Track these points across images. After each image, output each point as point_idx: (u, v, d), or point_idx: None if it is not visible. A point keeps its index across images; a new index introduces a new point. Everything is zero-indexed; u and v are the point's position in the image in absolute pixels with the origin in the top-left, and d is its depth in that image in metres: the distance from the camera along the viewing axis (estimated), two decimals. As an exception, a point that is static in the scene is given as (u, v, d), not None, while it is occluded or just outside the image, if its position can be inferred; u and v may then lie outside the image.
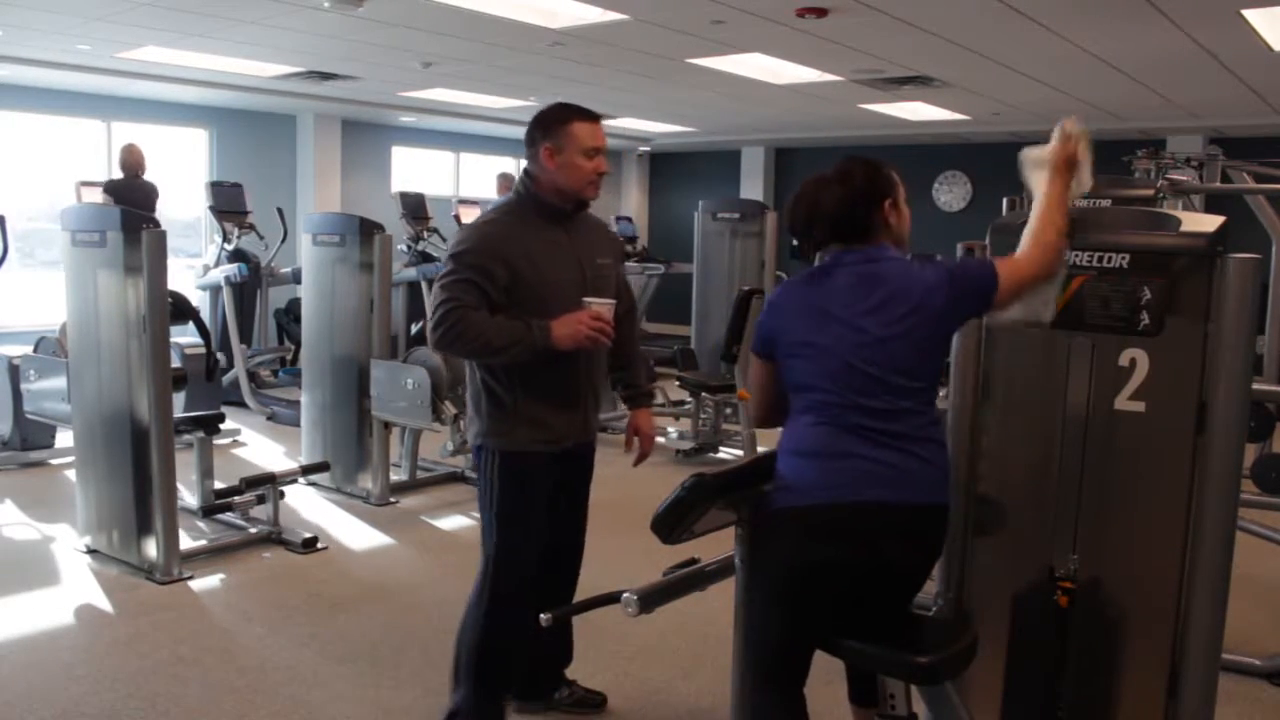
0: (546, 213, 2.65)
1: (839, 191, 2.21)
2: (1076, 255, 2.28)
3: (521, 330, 2.52)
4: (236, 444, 6.82)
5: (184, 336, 6.09)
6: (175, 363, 4.97)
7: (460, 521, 5.22)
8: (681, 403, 7.14)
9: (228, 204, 8.43)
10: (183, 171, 9.71)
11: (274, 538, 4.72)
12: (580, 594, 2.57)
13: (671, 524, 2.26)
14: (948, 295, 2.14)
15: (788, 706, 2.25)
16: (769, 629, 2.26)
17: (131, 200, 6.80)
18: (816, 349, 2.16)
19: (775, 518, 2.20)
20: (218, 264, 8.21)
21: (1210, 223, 2.21)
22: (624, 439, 3.08)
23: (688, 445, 6.64)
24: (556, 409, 2.70)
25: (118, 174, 7.75)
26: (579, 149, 2.59)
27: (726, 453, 6.71)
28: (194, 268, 8.80)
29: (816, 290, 2.21)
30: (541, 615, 2.41)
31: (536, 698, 3.05)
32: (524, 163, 2.72)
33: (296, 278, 7.84)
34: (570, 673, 3.11)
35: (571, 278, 2.64)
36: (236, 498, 4.78)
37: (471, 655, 2.73)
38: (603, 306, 2.60)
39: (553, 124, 2.61)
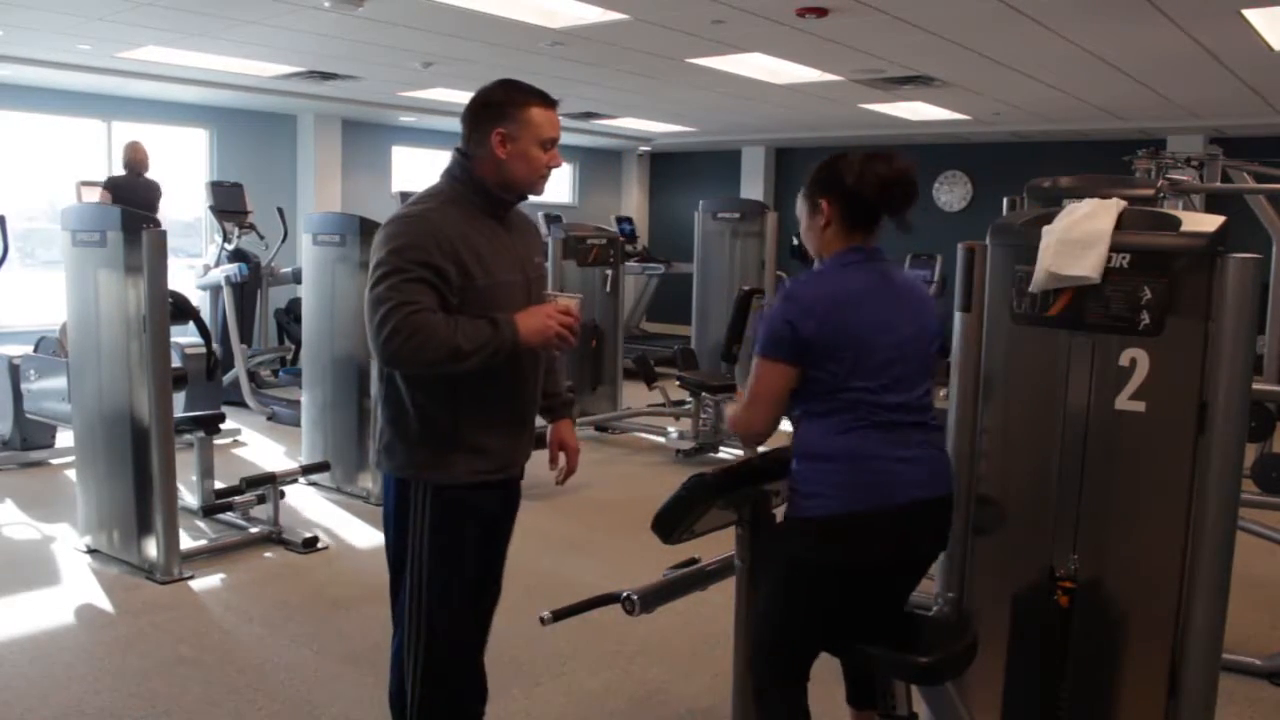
0: (489, 204, 2.26)
1: (913, 172, 2.17)
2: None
3: (490, 330, 2.12)
4: (237, 444, 6.82)
5: (184, 336, 6.09)
6: (175, 362, 4.98)
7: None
8: (681, 403, 7.14)
9: (228, 204, 8.43)
10: (183, 171, 9.71)
11: (274, 537, 4.72)
12: (581, 594, 2.56)
13: (672, 524, 2.27)
14: (934, 307, 2.29)
15: (796, 706, 2.25)
16: (788, 632, 2.26)
17: (132, 198, 6.81)
18: (856, 348, 2.12)
19: (808, 526, 2.16)
20: (218, 264, 8.21)
21: (1210, 222, 2.21)
22: (550, 454, 2.56)
23: (688, 445, 6.64)
24: (503, 432, 2.30)
25: (120, 171, 7.75)
26: (536, 139, 2.21)
27: (726, 453, 6.71)
28: (194, 268, 8.80)
29: (844, 288, 2.16)
30: (541, 614, 2.39)
31: None
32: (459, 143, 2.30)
33: (297, 278, 7.84)
34: (570, 672, 3.10)
35: (517, 279, 2.28)
36: (237, 497, 4.78)
37: None
38: (570, 300, 2.26)
39: (507, 106, 2.21)
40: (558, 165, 2.28)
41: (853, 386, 2.12)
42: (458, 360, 2.10)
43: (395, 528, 2.32)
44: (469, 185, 2.24)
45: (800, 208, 2.26)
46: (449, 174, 2.28)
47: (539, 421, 2.46)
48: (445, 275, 2.12)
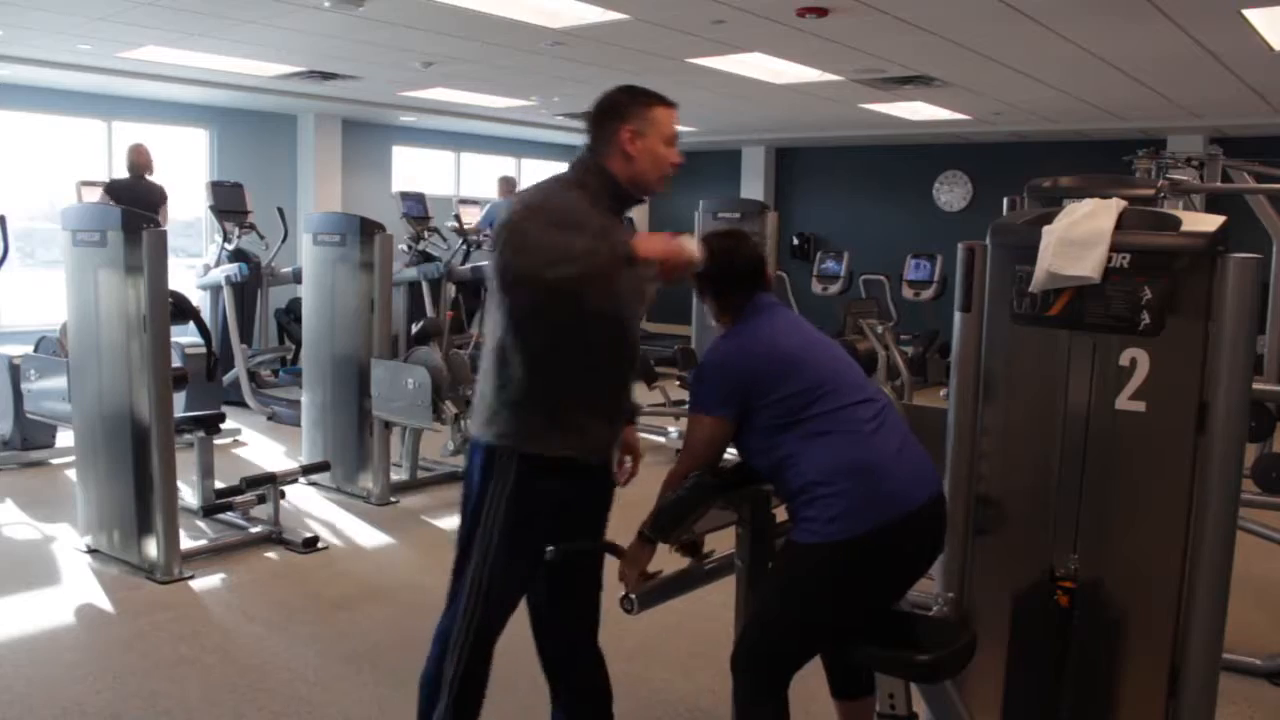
0: (615, 198, 2.31)
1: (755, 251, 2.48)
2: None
3: (606, 242, 2.11)
4: (237, 444, 6.82)
5: (184, 336, 6.10)
6: (176, 362, 4.98)
7: (460, 521, 5.22)
8: (681, 403, 7.13)
9: (228, 204, 8.43)
10: (183, 171, 9.71)
11: (275, 537, 4.72)
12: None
13: (671, 524, 2.26)
14: None
15: (782, 708, 2.26)
16: (781, 637, 2.25)
17: (133, 201, 6.79)
18: (805, 362, 2.23)
19: (813, 553, 2.16)
20: (218, 264, 8.21)
21: (1211, 222, 2.21)
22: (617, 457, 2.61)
23: (688, 445, 6.62)
24: (603, 419, 2.35)
25: (122, 173, 7.74)
26: (661, 135, 2.32)
27: (726, 454, 6.69)
28: (194, 267, 8.80)
29: (762, 329, 2.30)
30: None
31: None
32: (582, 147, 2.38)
33: (297, 277, 7.83)
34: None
35: (634, 283, 2.28)
36: (237, 497, 4.78)
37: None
38: (690, 241, 2.22)
39: (632, 106, 2.32)
40: (680, 162, 2.37)
41: (825, 398, 2.18)
42: (569, 260, 2.06)
43: (475, 497, 2.33)
44: (600, 176, 2.29)
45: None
46: (580, 164, 2.33)
47: None
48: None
